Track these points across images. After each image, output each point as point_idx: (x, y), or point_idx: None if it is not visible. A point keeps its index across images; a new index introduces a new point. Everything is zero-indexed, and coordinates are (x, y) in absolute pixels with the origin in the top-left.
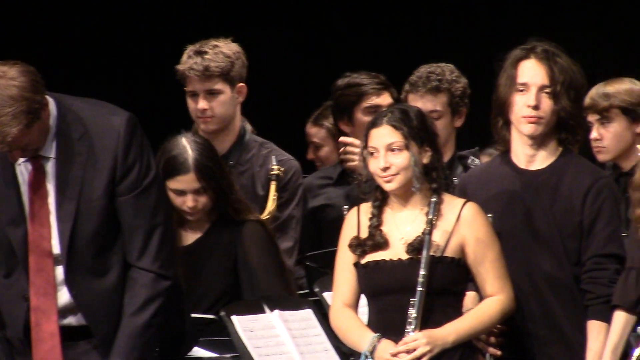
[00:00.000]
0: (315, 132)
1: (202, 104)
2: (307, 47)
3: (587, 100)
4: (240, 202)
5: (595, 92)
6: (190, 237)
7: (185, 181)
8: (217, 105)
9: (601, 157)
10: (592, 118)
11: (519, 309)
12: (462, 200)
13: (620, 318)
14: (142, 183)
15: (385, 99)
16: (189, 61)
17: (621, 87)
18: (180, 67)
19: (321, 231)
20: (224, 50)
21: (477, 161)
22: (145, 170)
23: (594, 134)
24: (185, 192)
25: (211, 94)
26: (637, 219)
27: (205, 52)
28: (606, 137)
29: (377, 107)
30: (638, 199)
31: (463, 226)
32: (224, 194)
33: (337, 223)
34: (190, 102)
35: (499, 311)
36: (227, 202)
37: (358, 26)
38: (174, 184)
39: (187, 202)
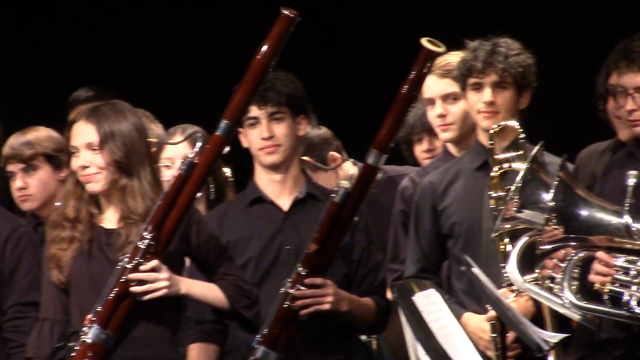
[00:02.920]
0: None
1: None
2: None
3: (8, 150)
4: None
5: (16, 141)
6: None
7: None
8: None
9: (27, 206)
10: (15, 167)
11: None
12: None
13: None
14: None
15: None
16: None
17: (41, 135)
18: None
19: None
20: None
21: None
22: None
23: (19, 183)
24: None
25: None
26: (50, 258)
27: None
28: (32, 185)
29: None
30: (51, 238)
31: None
32: None
33: None
34: None
35: None
36: None
37: None
38: None
39: None
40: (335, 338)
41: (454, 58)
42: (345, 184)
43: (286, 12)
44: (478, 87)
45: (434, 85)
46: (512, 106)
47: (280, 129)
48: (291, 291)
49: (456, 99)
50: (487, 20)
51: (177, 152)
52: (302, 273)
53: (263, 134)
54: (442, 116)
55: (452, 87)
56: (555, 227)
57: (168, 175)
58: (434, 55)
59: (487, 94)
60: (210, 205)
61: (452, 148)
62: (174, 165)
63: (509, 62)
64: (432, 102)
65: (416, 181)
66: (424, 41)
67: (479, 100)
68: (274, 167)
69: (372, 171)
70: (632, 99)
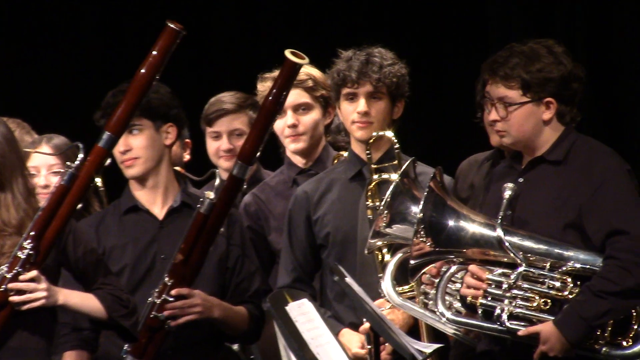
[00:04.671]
0: None
1: None
2: None
3: None
4: None
5: None
6: None
7: None
8: None
9: None
10: None
11: None
12: None
13: None
14: None
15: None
16: None
17: None
18: None
19: None
20: None
21: None
22: None
23: None
24: None
25: None
26: None
27: None
28: None
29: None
30: None
31: None
32: None
33: None
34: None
35: None
36: None
37: None
38: None
39: None
40: (207, 346)
41: (305, 68)
42: (211, 195)
43: (172, 25)
44: (352, 98)
45: None
46: (387, 116)
47: (138, 141)
48: (157, 301)
49: (307, 110)
50: (358, 30)
51: (42, 162)
52: (168, 283)
53: (120, 147)
54: (293, 126)
55: (303, 97)
56: (423, 239)
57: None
58: (298, 67)
59: (361, 104)
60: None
61: (297, 159)
62: (39, 174)
63: (384, 72)
64: (283, 111)
65: (259, 196)
66: (288, 53)
67: (353, 110)
68: (138, 180)
69: (237, 182)
70: (495, 109)
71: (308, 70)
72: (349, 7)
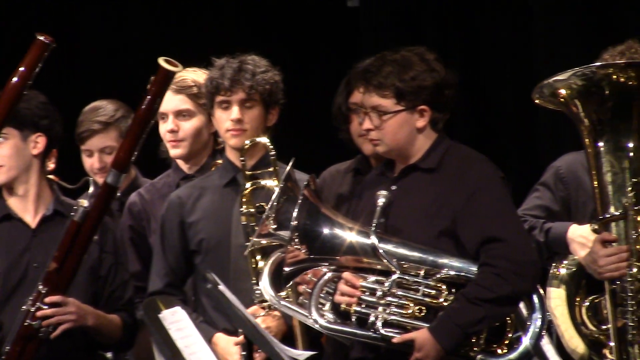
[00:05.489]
0: None
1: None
2: None
3: None
4: None
5: None
6: None
7: None
8: None
9: None
10: None
11: None
12: None
13: None
14: None
15: None
16: None
17: None
18: None
19: None
20: None
21: None
22: None
23: None
24: None
25: None
26: None
27: None
28: None
29: None
30: None
31: None
32: None
33: None
34: None
35: None
36: None
37: None
38: None
39: None
40: (80, 355)
41: (191, 75)
42: (84, 203)
43: (41, 37)
44: (226, 105)
45: (168, 101)
46: (260, 123)
47: (2, 150)
48: (32, 309)
49: (188, 116)
50: (232, 38)
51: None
52: (43, 291)
53: None
54: (173, 132)
55: (185, 103)
56: (297, 247)
57: None
58: (171, 75)
59: (234, 111)
60: None
61: (182, 164)
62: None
63: (256, 79)
64: (164, 116)
65: (145, 196)
66: (161, 61)
67: (227, 118)
68: (6, 188)
69: (110, 190)
70: (369, 118)
71: (194, 77)
72: (222, 15)
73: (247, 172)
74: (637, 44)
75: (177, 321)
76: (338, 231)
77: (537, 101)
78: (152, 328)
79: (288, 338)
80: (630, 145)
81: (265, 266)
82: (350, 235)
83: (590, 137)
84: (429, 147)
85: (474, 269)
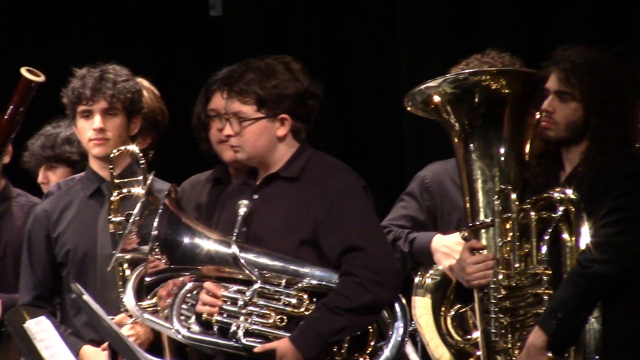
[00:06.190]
0: None
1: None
2: None
3: None
4: None
5: None
6: None
7: None
8: None
9: None
10: None
11: None
12: None
13: None
14: None
15: None
16: None
17: None
18: None
19: None
20: None
21: None
22: None
23: None
24: None
25: None
26: None
27: None
28: None
29: None
30: None
31: None
32: None
33: None
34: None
35: None
36: None
37: None
38: None
39: None
40: None
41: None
42: None
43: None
44: (88, 115)
45: None
46: (123, 132)
47: None
48: None
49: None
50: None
51: None
52: None
53: None
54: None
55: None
56: (158, 257)
57: None
58: (34, 84)
59: (96, 120)
60: None
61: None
62: None
63: (118, 88)
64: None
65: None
66: (24, 71)
67: (89, 127)
68: None
69: None
70: (230, 124)
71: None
72: (83, 24)
73: (116, 181)
74: (498, 53)
75: (42, 330)
76: (199, 241)
77: (408, 109)
78: (17, 338)
79: (156, 346)
80: (501, 151)
81: (129, 280)
82: (211, 245)
83: (461, 143)
84: (291, 156)
85: (336, 278)
